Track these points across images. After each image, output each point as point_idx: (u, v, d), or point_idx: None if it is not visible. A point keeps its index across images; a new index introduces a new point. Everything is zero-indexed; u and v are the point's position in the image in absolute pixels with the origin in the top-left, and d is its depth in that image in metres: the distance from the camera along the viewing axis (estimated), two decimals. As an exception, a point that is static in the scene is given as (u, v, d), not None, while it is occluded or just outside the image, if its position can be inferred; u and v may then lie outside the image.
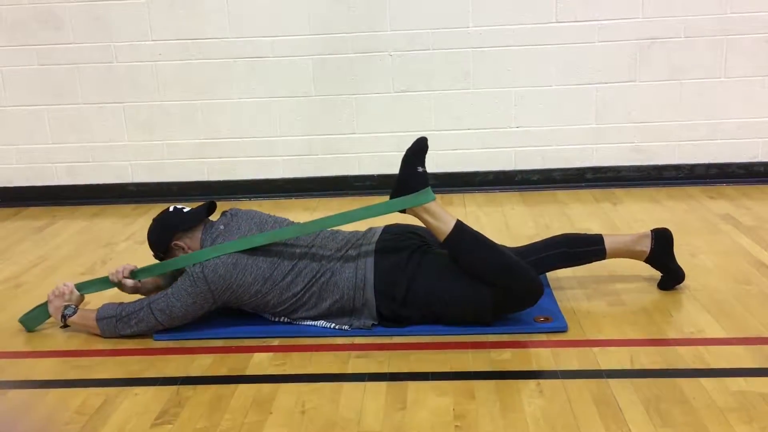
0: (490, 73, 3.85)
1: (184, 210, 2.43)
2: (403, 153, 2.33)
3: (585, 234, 2.62)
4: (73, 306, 2.42)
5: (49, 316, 2.48)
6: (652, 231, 2.55)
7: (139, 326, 2.29)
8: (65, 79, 3.96)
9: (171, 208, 2.44)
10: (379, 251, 2.32)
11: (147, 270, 2.45)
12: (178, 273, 2.38)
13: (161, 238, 2.40)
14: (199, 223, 2.41)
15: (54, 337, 2.44)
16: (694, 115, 3.85)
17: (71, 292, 2.45)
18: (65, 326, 2.44)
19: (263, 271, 2.28)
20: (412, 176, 2.29)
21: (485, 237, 2.32)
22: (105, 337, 2.35)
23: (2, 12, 3.88)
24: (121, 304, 2.34)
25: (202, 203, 2.47)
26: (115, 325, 2.30)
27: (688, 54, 3.76)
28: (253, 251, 2.29)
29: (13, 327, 2.53)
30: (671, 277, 2.55)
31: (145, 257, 2.53)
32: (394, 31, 3.82)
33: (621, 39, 3.77)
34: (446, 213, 2.30)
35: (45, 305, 2.49)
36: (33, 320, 2.48)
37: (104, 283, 2.52)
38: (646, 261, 2.54)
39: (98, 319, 2.33)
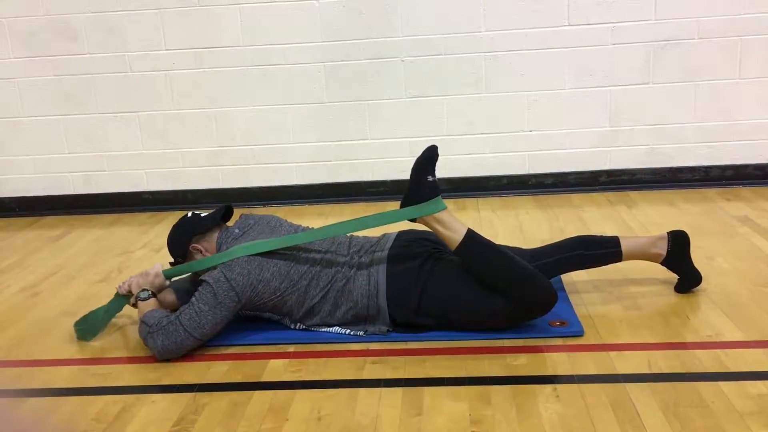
0: (503, 77, 3.84)
1: (202, 215, 2.47)
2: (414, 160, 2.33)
3: (601, 236, 2.60)
4: (149, 291, 2.40)
5: (111, 318, 2.50)
6: (668, 233, 2.53)
7: (165, 344, 2.23)
8: (80, 89, 4.00)
9: (189, 214, 2.48)
10: (391, 258, 2.32)
11: (176, 270, 2.46)
12: (193, 288, 2.40)
13: (179, 242, 2.44)
14: (216, 227, 2.45)
15: (72, 346, 2.46)
16: (708, 117, 3.82)
17: (156, 275, 2.44)
18: (134, 305, 2.45)
19: (280, 269, 2.29)
20: (423, 185, 2.28)
21: (497, 245, 2.32)
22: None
23: (18, 24, 3.93)
24: (162, 318, 2.28)
25: (219, 207, 2.49)
26: (146, 335, 2.27)
27: (701, 55, 3.74)
28: (269, 254, 2.30)
29: (32, 335, 2.55)
30: (688, 279, 2.53)
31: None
32: (405, 37, 3.83)
33: (634, 41, 3.75)
34: (457, 222, 2.29)
35: (108, 307, 2.51)
36: (93, 328, 2.48)
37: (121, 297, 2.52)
38: (662, 263, 2.53)
39: (141, 320, 2.31)
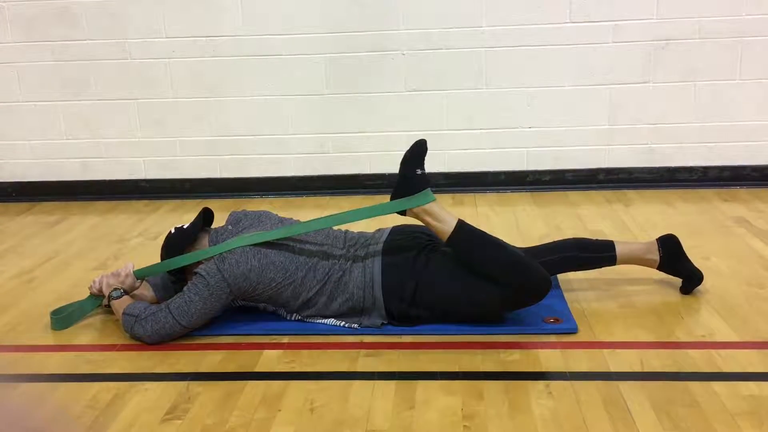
0: (503, 72, 3.84)
1: (184, 227, 2.45)
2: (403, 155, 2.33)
3: (597, 240, 2.60)
4: (120, 290, 2.41)
5: (81, 317, 2.50)
6: (657, 240, 2.53)
7: (155, 329, 2.26)
8: (79, 75, 3.98)
9: (172, 230, 2.46)
10: (386, 251, 2.33)
11: (147, 270, 2.47)
12: (179, 287, 2.42)
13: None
14: (201, 231, 2.44)
15: (65, 332, 2.45)
16: (707, 117, 3.83)
17: (127, 275, 2.45)
18: (108, 306, 2.45)
19: (276, 260, 2.29)
20: (412, 178, 2.29)
21: (488, 234, 2.32)
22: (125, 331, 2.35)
23: (18, 8, 3.91)
24: (150, 306, 2.32)
25: (198, 213, 2.48)
26: (132, 325, 2.29)
27: (702, 55, 3.74)
28: (264, 245, 2.31)
29: (26, 321, 2.55)
30: (689, 280, 2.52)
31: (157, 253, 2.53)
32: (406, 30, 3.82)
33: (635, 40, 3.75)
34: (447, 213, 2.30)
35: (81, 304, 2.51)
36: (66, 319, 2.48)
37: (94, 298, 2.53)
38: (659, 269, 2.53)
39: (123, 313, 2.33)
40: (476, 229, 2.31)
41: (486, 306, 2.27)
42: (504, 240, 2.39)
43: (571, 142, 3.91)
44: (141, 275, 2.47)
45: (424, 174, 2.31)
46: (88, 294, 2.54)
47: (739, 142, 3.84)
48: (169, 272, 2.48)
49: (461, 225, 2.27)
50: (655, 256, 2.51)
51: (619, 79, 3.81)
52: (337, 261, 2.34)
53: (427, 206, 2.28)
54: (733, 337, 2.24)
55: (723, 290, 2.56)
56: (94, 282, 2.51)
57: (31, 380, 2.16)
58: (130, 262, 2.51)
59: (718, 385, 1.96)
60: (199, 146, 4.05)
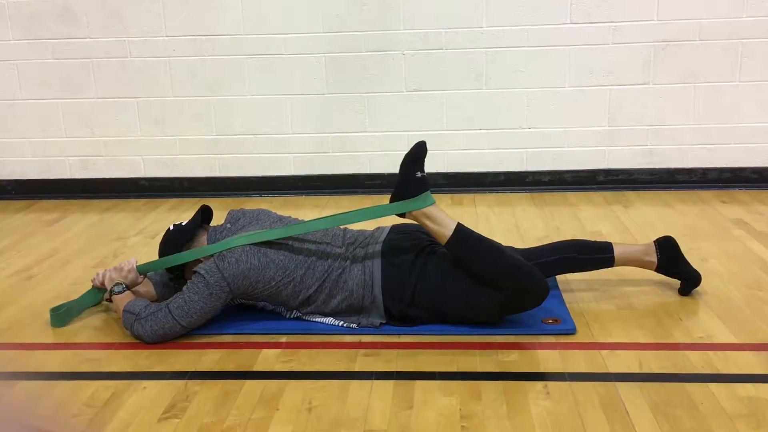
0: (503, 73, 3.84)
1: (183, 224, 2.45)
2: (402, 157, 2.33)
3: (595, 242, 2.60)
4: (123, 285, 2.41)
5: (80, 311, 2.50)
6: (654, 242, 2.53)
7: (154, 329, 2.26)
8: (80, 73, 3.98)
9: (171, 227, 2.46)
10: (386, 251, 2.33)
11: (149, 266, 2.47)
12: (179, 285, 2.42)
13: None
14: (200, 229, 2.45)
15: (64, 330, 2.46)
16: (707, 119, 3.83)
17: (130, 270, 2.45)
18: (109, 300, 2.46)
19: (275, 259, 2.29)
20: (411, 181, 2.29)
21: (487, 239, 2.33)
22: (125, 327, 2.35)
23: (19, 6, 3.91)
24: (150, 304, 2.32)
25: (197, 210, 2.49)
26: (132, 323, 2.29)
27: (702, 57, 3.74)
28: (263, 244, 2.31)
29: (25, 319, 2.55)
30: (688, 281, 2.53)
31: (156, 252, 2.54)
32: (407, 30, 3.82)
33: (635, 41, 3.75)
34: (446, 217, 2.30)
35: (82, 298, 2.52)
36: (65, 314, 2.48)
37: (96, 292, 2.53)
38: (657, 271, 2.54)
39: (124, 310, 2.33)
40: (475, 233, 2.31)
41: (484, 310, 2.27)
42: (503, 242, 2.39)
43: (571, 143, 3.91)
44: (143, 270, 2.47)
45: (423, 176, 2.31)
46: (90, 287, 2.53)
47: (738, 143, 3.85)
48: (168, 270, 2.48)
49: (460, 229, 2.27)
50: (653, 258, 2.51)
51: (619, 80, 3.81)
52: (336, 259, 2.34)
53: (426, 209, 2.28)
54: (731, 339, 2.24)
55: (721, 292, 2.56)
56: (97, 275, 2.51)
57: (29, 378, 2.16)
58: (134, 257, 2.51)
59: (715, 387, 1.96)
60: (199, 145, 4.05)
